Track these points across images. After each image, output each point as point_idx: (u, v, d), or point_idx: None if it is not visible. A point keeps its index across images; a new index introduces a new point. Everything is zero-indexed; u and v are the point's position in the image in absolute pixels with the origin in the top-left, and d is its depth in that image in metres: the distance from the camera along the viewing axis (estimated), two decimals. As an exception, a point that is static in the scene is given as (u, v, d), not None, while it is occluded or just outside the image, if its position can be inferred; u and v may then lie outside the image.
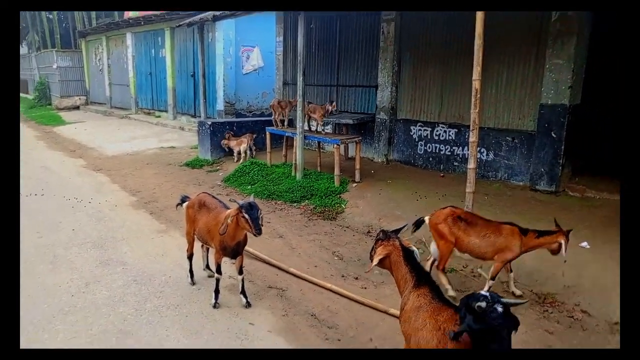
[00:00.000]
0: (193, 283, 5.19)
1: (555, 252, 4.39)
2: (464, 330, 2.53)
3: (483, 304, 2.45)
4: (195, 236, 5.00)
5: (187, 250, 5.19)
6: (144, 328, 4.27)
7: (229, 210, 4.36)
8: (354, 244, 6.55)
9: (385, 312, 4.50)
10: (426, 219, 4.85)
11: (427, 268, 4.81)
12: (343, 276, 5.53)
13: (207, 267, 5.44)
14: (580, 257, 5.36)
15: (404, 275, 3.22)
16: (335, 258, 6.11)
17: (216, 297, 4.69)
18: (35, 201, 8.34)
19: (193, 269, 5.24)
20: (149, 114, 19.87)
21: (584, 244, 5.62)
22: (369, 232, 6.97)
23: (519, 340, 3.95)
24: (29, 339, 4.00)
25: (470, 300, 2.54)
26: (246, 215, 4.08)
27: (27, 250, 5.97)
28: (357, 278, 5.47)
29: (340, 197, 8.21)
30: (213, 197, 4.98)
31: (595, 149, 8.79)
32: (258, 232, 4.11)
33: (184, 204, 5.18)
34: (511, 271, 4.80)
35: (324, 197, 8.25)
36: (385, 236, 3.35)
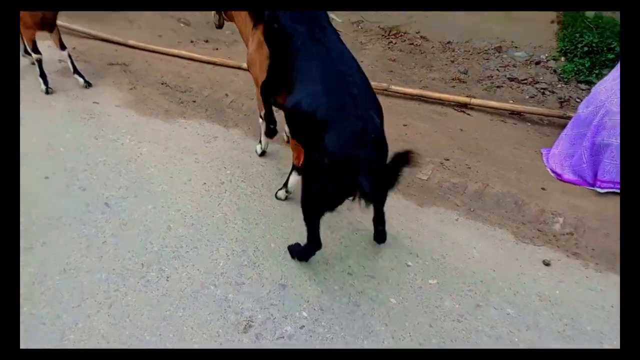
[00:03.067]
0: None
1: None
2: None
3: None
4: None
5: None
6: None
7: None
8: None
9: (238, 68, 4.38)
10: None
11: None
12: (192, 41, 5.12)
13: (26, 51, 4.59)
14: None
15: (244, 18, 3.00)
16: (182, 25, 5.53)
17: (45, 82, 4.09)
18: None
19: None
20: None
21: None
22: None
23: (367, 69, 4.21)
24: None
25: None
26: None
27: None
28: (207, 41, 5.11)
29: None
30: None
31: None
32: None
33: None
34: None
35: None
36: None
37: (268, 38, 2.49)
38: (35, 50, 3.97)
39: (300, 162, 2.61)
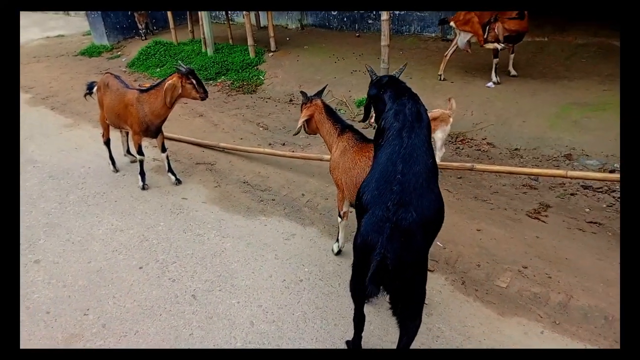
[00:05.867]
0: (116, 170, 5.00)
1: None
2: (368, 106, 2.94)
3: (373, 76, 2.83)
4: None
5: (103, 136, 4.95)
6: (72, 218, 4.15)
7: (168, 82, 4.09)
8: (278, 114, 6.52)
9: (320, 160, 4.64)
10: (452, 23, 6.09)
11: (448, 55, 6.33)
12: (270, 144, 5.58)
13: (128, 152, 5.21)
14: (486, 96, 5.80)
15: (328, 129, 3.32)
16: (261, 129, 6.09)
17: (143, 179, 4.60)
18: None
19: (113, 156, 5.01)
20: (21, 0, 16.91)
21: (489, 84, 6.02)
22: (291, 100, 6.92)
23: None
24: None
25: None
26: (193, 80, 4.06)
27: None
28: (284, 144, 5.56)
29: (257, 68, 7.90)
30: (115, 76, 4.58)
31: None
32: (206, 94, 4.14)
33: (94, 90, 4.79)
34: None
35: (240, 70, 7.90)
36: (307, 99, 3.46)
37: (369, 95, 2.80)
38: (140, 152, 4.52)
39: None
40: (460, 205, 4.06)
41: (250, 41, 8.10)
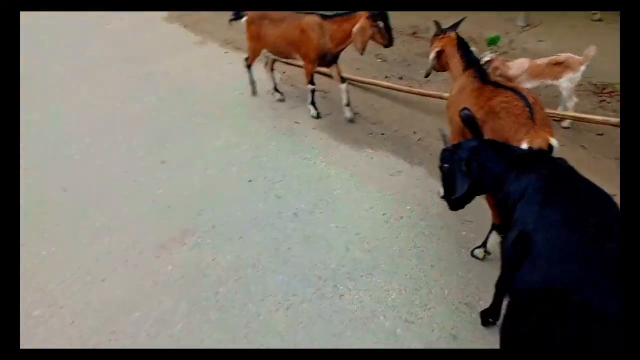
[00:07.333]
0: (254, 93, 5.04)
1: None
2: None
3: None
4: (263, 51, 4.65)
5: (249, 60, 4.86)
6: (195, 128, 4.48)
7: (357, 25, 3.79)
8: (398, 46, 6.15)
9: (439, 97, 4.36)
10: None
11: None
12: (386, 77, 5.36)
13: (276, 89, 4.99)
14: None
15: (456, 64, 3.07)
16: (378, 60, 5.86)
17: (315, 108, 4.54)
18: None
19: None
20: None
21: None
22: (414, 33, 6.51)
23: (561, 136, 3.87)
24: (79, 150, 4.34)
25: None
26: (380, 24, 3.75)
27: (60, 69, 6.10)
28: (401, 78, 5.30)
29: None
30: None
31: None
32: (391, 42, 3.88)
33: (242, 20, 4.61)
34: None
35: None
36: (441, 30, 3.24)
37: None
38: (312, 82, 4.41)
39: (500, 221, 2.48)
40: (596, 165, 3.56)
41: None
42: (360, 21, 3.81)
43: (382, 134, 4.22)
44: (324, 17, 4.07)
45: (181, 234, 3.11)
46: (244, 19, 4.62)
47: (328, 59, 4.24)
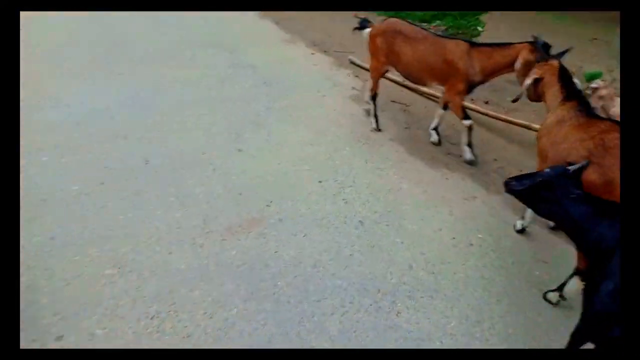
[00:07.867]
0: (378, 129, 4.48)
1: None
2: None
3: None
4: (387, 71, 4.38)
5: (371, 90, 4.44)
6: (274, 123, 4.57)
7: (521, 58, 3.41)
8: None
9: (527, 127, 4.17)
10: None
11: None
12: (472, 99, 5.18)
13: (373, 98, 4.50)
14: None
15: (554, 92, 2.90)
16: (465, 82, 5.70)
17: (471, 148, 3.97)
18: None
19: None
20: None
21: None
22: (507, 58, 6.26)
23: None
24: (171, 130, 4.56)
25: None
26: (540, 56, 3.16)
27: (165, 47, 6.48)
28: (487, 102, 5.12)
29: (478, 18, 7.29)
30: (409, 22, 4.12)
31: None
32: None
33: (365, 30, 4.36)
34: None
35: (459, 17, 7.39)
36: (543, 57, 3.08)
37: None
38: (467, 116, 3.94)
39: (584, 266, 2.30)
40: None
41: (479, -13, 7.43)
42: (524, 54, 3.42)
43: (461, 156, 4.08)
44: (472, 44, 3.76)
45: (248, 222, 3.18)
46: (367, 30, 4.33)
47: (472, 88, 3.90)
